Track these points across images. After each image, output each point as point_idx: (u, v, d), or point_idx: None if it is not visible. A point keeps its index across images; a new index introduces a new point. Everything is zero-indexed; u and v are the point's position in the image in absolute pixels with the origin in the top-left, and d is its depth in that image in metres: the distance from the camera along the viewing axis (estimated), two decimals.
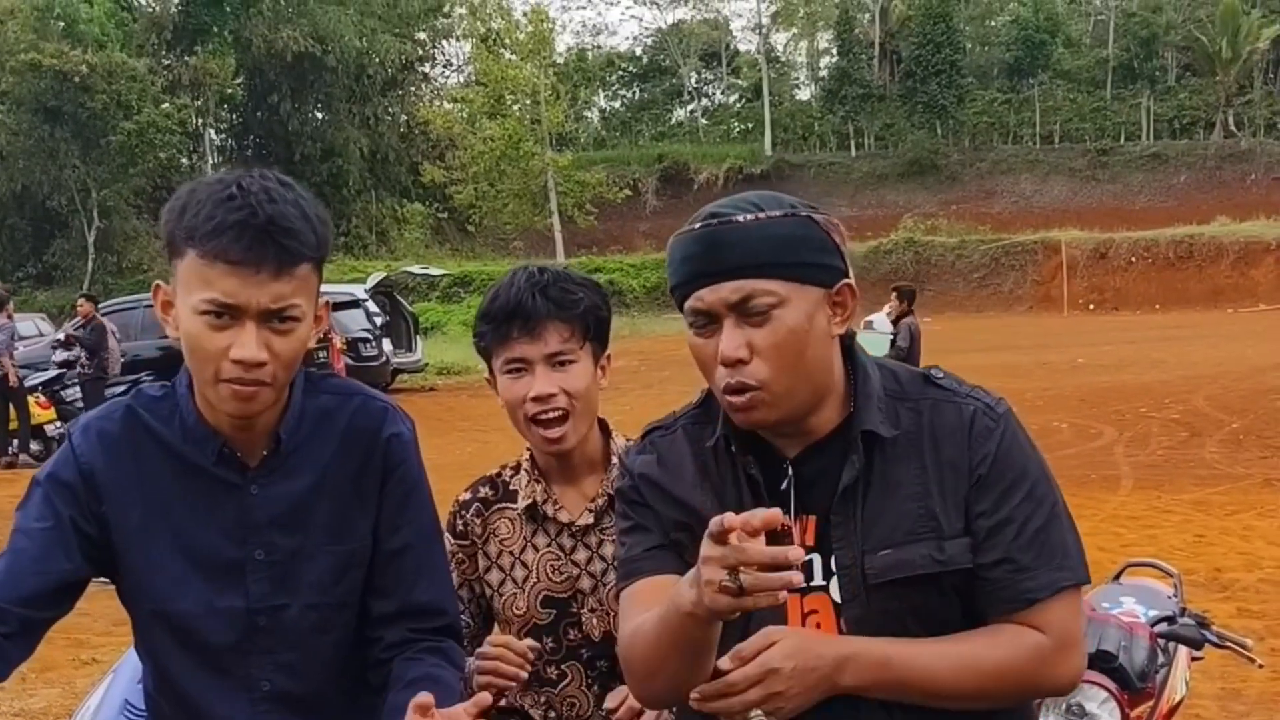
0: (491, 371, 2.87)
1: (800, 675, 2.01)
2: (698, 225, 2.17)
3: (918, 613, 2.16)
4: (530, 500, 2.91)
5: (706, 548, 1.86)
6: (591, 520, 2.87)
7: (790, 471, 2.23)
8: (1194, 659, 4.11)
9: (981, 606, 2.18)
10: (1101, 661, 3.48)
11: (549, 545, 2.90)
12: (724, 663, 2.00)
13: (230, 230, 2.16)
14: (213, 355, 2.20)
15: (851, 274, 2.24)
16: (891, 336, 15.70)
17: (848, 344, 2.28)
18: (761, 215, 2.14)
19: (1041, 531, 2.17)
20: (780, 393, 2.13)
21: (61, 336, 20.17)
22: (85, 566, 2.32)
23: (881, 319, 16.05)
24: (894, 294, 16.31)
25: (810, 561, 2.19)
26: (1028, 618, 2.15)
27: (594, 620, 2.85)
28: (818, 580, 2.20)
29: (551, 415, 2.77)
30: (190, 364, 2.27)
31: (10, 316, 18.98)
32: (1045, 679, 2.18)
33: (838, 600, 2.19)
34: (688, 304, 2.18)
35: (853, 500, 2.18)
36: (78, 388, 18.84)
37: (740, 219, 2.14)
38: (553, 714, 2.95)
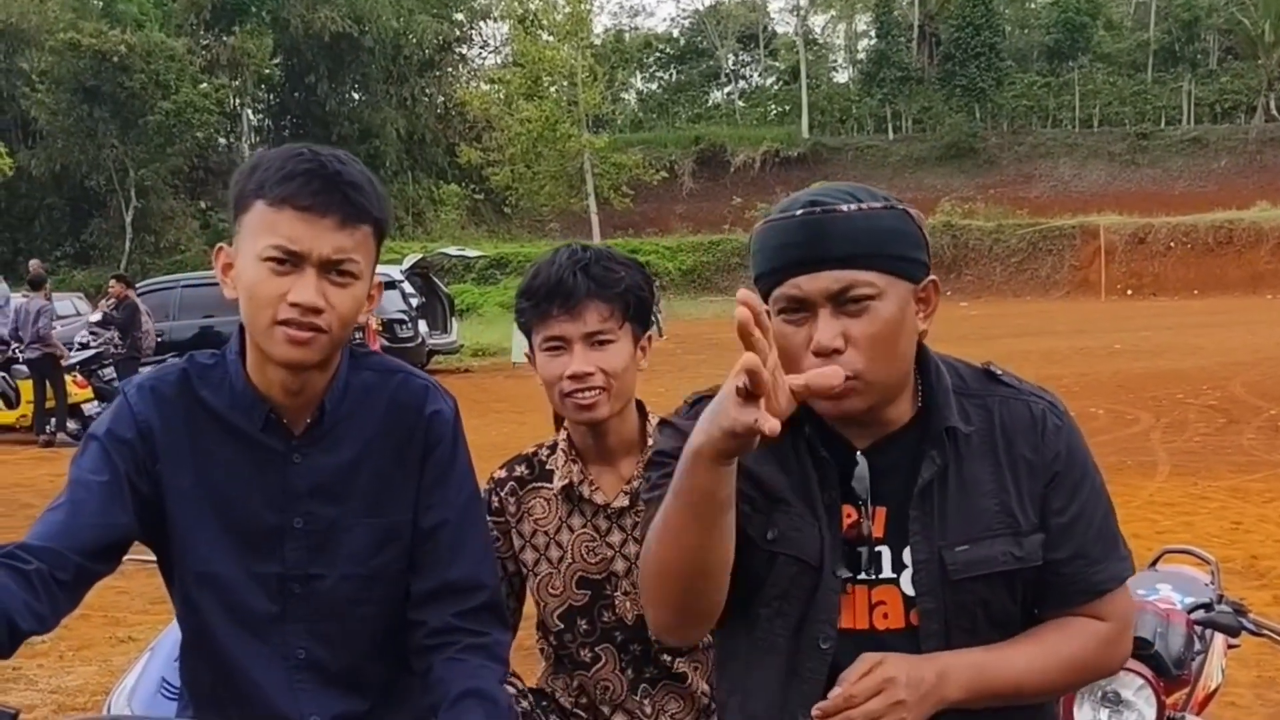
0: (531, 347, 2.86)
1: (914, 686, 2.03)
2: (799, 212, 2.12)
3: (987, 608, 2.17)
4: (566, 481, 2.89)
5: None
6: (627, 503, 2.85)
7: (864, 463, 2.20)
8: (1230, 647, 4.09)
9: (1047, 599, 2.21)
10: (1138, 649, 3.45)
11: (584, 526, 2.89)
12: (831, 694, 2.03)
13: (300, 177, 2.23)
14: (271, 300, 2.23)
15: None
16: None
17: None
18: (863, 206, 2.12)
19: (1104, 523, 2.23)
20: (874, 383, 2.11)
21: (98, 316, 20.30)
22: (137, 525, 2.33)
23: None
24: None
25: (879, 553, 2.20)
26: (1094, 608, 2.20)
27: (627, 603, 2.84)
28: (886, 573, 2.19)
29: (588, 396, 2.75)
30: (247, 312, 2.29)
31: (48, 297, 19.10)
32: (1107, 663, 2.26)
33: (908, 593, 2.18)
34: (781, 290, 2.14)
35: (931, 496, 2.18)
36: (113, 367, 18.95)
37: (844, 208, 2.11)
38: (584, 699, 2.95)
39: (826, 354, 2.09)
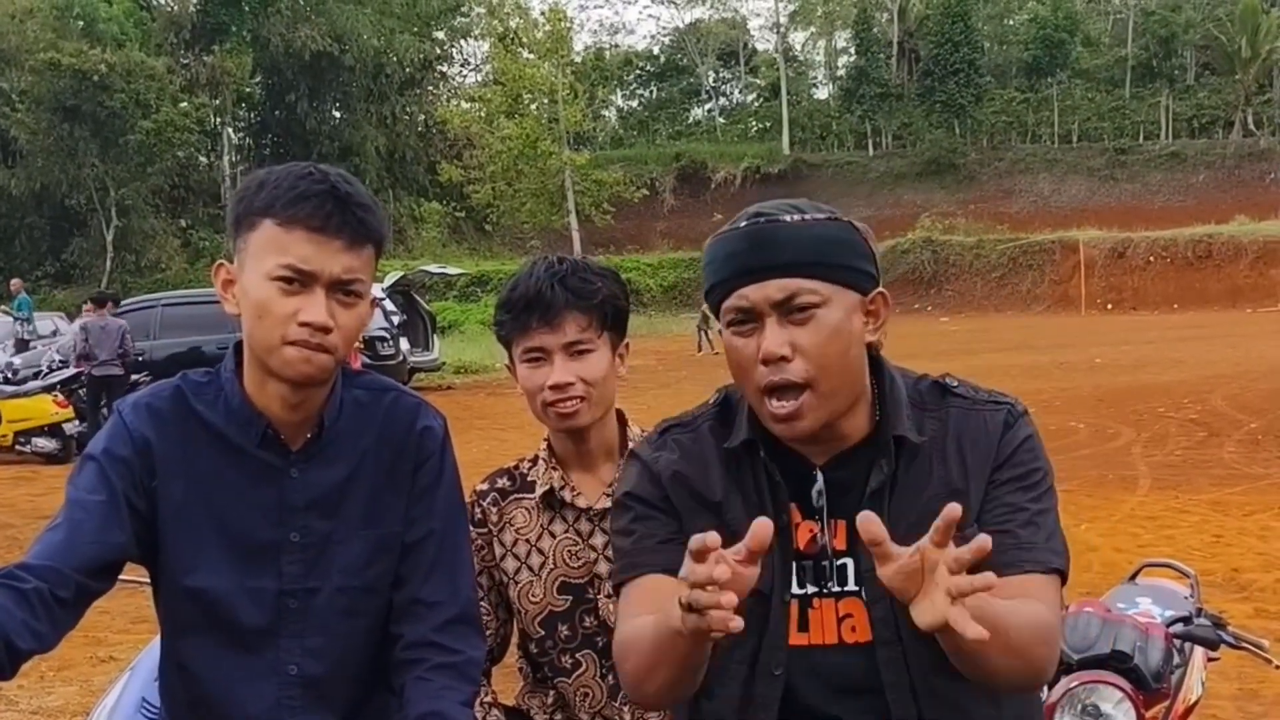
0: (511, 359, 2.91)
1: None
2: (743, 224, 2.19)
3: None
4: (548, 486, 2.93)
5: (684, 566, 1.86)
6: (609, 504, 2.83)
7: (821, 479, 2.21)
8: (1210, 660, 4.10)
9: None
10: (1117, 662, 3.48)
11: (566, 531, 2.92)
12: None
13: (313, 199, 2.27)
14: (281, 319, 2.26)
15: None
16: None
17: (872, 354, 2.27)
18: (807, 217, 2.16)
19: (1041, 517, 2.17)
20: (825, 393, 2.13)
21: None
22: (133, 543, 2.35)
23: None
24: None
25: (843, 566, 2.21)
26: (1023, 584, 2.10)
27: (610, 606, 2.84)
28: (850, 585, 2.20)
29: (569, 405, 2.80)
30: (254, 331, 2.31)
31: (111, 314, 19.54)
32: (1045, 651, 2.07)
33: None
34: (729, 302, 2.18)
35: (879, 503, 2.16)
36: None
37: (787, 219, 2.16)
38: (559, 717, 2.97)
39: (774, 361, 2.11)
